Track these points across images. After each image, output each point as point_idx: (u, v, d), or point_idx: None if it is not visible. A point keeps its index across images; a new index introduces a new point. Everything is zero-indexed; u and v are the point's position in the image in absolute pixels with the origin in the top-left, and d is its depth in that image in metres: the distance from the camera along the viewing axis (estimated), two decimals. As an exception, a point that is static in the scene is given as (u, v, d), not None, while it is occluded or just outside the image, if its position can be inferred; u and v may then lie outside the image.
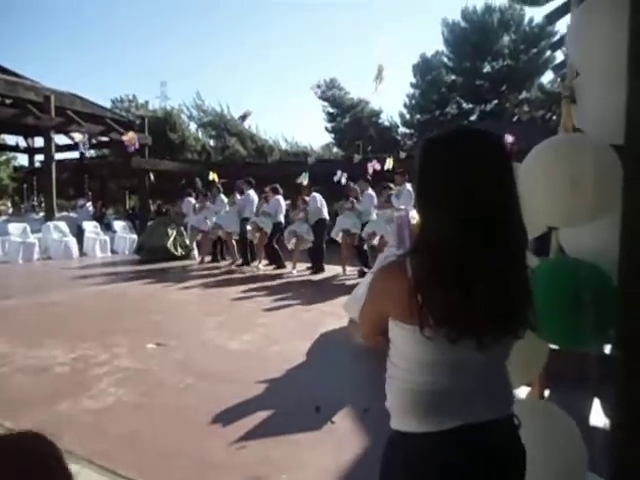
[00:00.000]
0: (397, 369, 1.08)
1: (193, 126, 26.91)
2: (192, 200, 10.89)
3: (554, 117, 21.84)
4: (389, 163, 10.02)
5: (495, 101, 24.11)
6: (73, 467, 2.24)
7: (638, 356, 1.28)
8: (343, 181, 10.16)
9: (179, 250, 10.74)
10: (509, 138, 9.44)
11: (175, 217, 11.53)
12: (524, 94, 23.90)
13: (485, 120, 21.95)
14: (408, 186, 8.26)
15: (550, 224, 1.67)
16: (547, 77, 23.89)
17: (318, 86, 23.64)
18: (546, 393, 2.83)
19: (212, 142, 26.28)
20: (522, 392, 1.93)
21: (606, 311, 1.41)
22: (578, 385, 3.06)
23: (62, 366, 3.85)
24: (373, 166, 10.14)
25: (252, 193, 9.75)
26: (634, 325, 1.30)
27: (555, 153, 1.56)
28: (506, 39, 23.69)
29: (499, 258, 0.99)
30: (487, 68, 24.26)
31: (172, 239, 10.67)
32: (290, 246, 9.15)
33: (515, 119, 22.10)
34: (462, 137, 1.06)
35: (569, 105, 1.63)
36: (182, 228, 10.96)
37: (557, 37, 21.10)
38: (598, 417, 2.74)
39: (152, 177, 12.77)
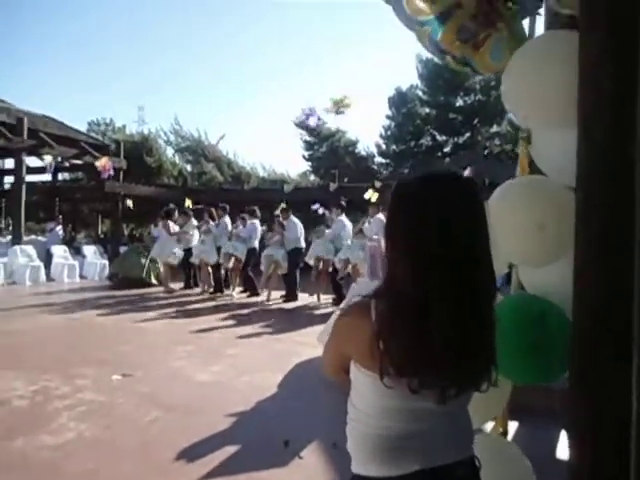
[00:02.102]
0: (358, 412, 1.07)
1: (170, 151, 26.84)
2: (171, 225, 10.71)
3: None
4: (370, 194, 10.10)
5: (468, 134, 24.89)
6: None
7: (589, 388, 1.31)
8: (320, 211, 10.20)
9: (153, 279, 10.49)
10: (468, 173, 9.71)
11: (149, 243, 11.26)
12: (495, 128, 24.78)
13: (458, 152, 22.60)
14: (380, 216, 8.37)
15: (514, 262, 1.72)
16: (516, 112, 24.82)
17: (301, 123, 24.08)
18: (514, 426, 2.85)
19: (189, 167, 26.21)
20: (487, 427, 1.94)
21: (563, 347, 1.44)
22: (546, 417, 3.11)
23: (21, 399, 3.68)
24: None
25: (227, 220, 9.70)
26: (585, 360, 1.34)
27: (520, 196, 1.61)
28: (478, 76, 24.64)
29: (469, 307, 0.97)
30: (460, 102, 25.12)
31: (146, 269, 10.41)
32: (269, 271, 8.97)
33: (487, 152, 22.81)
34: (433, 181, 1.04)
35: (526, 146, 1.70)
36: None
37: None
38: (564, 450, 2.75)
39: (130, 203, 12.52)
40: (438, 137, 25.85)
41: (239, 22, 56.59)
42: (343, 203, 9.11)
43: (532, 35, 1.76)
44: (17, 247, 11.19)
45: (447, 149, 25.50)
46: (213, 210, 9.94)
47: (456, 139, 25.28)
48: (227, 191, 17.94)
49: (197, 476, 2.60)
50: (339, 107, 7.49)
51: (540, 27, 1.96)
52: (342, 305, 4.90)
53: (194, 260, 9.68)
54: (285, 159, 61.95)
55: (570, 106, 1.35)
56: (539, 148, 1.67)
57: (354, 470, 1.08)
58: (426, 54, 25.18)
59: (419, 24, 1.73)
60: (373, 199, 9.99)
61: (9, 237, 13.53)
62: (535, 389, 2.57)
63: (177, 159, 26.85)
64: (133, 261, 10.51)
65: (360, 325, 1.01)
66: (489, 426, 1.90)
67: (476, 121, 24.68)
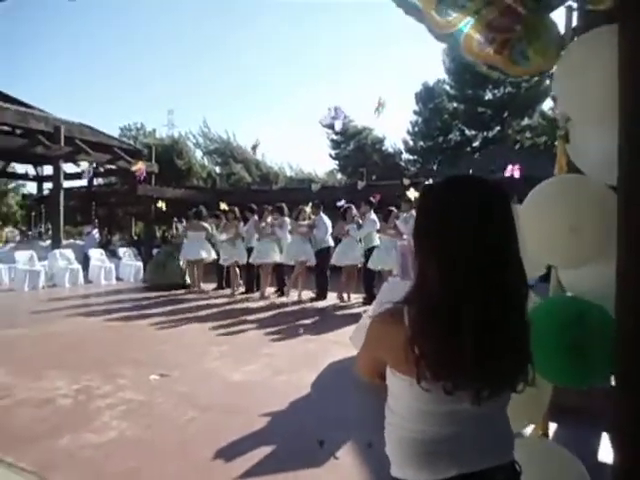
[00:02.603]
0: (395, 416, 1.08)
1: (199, 153, 27.36)
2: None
3: (556, 143, 22.08)
4: (411, 193, 10.02)
5: (497, 128, 24.44)
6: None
7: (632, 389, 1.28)
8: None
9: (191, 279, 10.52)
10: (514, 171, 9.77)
11: (178, 242, 11.00)
12: (526, 121, 24.22)
13: (488, 147, 22.18)
14: (414, 213, 8.28)
15: (550, 264, 1.69)
16: (548, 104, 24.21)
17: (328, 125, 24.26)
18: (552, 428, 2.79)
19: (218, 169, 26.66)
20: (526, 432, 1.90)
21: (606, 348, 1.41)
22: (585, 418, 3.02)
23: (65, 398, 3.83)
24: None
25: (256, 220, 9.76)
26: (628, 361, 1.30)
27: (554, 198, 1.57)
28: (507, 69, 24.11)
29: (498, 309, 0.98)
30: (489, 96, 24.66)
31: (186, 272, 10.47)
32: (297, 271, 8.98)
33: (518, 146, 22.31)
34: (458, 183, 1.07)
35: (564, 144, 1.67)
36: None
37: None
38: (607, 452, 2.68)
39: (163, 205, 12.66)
40: (467, 132, 25.48)
41: (265, 28, 57.04)
42: (372, 199, 9.02)
43: (569, 29, 1.71)
44: (57, 251, 11.61)
45: (476, 144, 25.11)
46: (236, 210, 9.89)
47: (485, 133, 24.86)
48: (255, 192, 18.13)
49: (235, 475, 2.66)
50: (379, 110, 7.43)
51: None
52: (371, 309, 4.88)
53: (226, 262, 9.78)
54: (312, 158, 62.23)
55: (613, 104, 1.32)
56: (578, 145, 1.63)
57: (393, 474, 1.09)
58: (453, 48, 24.84)
59: (447, 36, 1.72)
60: (413, 196, 9.90)
61: (48, 241, 14.06)
62: (573, 389, 2.51)
63: (206, 161, 27.36)
64: (171, 267, 10.44)
65: (393, 331, 1.03)
66: (529, 428, 1.87)
67: (506, 114, 24.20)
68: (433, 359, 0.96)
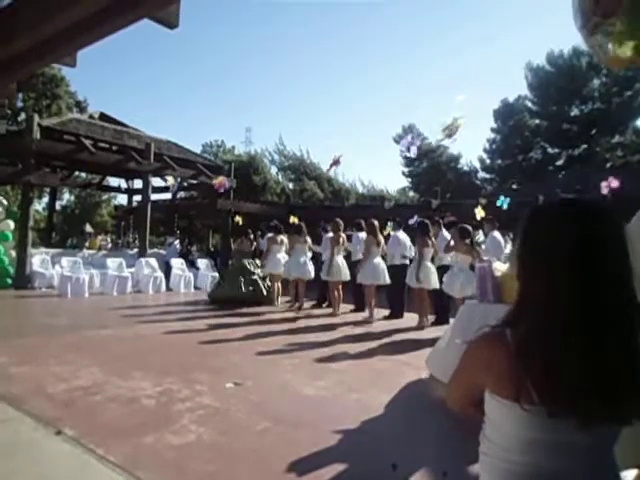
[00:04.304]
0: (493, 445, 1.04)
1: (274, 169, 28.25)
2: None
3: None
4: (480, 212, 9.81)
5: (584, 145, 23.02)
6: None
7: None
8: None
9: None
10: (613, 183, 9.34)
11: (240, 255, 10.95)
12: (617, 138, 22.62)
13: (573, 165, 20.95)
14: (496, 233, 8.00)
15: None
16: (643, 120, 22.47)
17: (400, 137, 24.27)
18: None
19: (291, 185, 27.33)
20: (628, 476, 1.74)
21: None
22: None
23: (148, 399, 4.06)
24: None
25: (330, 237, 9.81)
26: None
27: None
28: (596, 82, 22.79)
29: (611, 335, 0.95)
30: (575, 112, 23.38)
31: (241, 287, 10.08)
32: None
33: (609, 165, 20.84)
34: (574, 209, 1.05)
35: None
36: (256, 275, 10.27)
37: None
38: None
39: (239, 219, 13.06)
40: (549, 150, 24.26)
41: (340, 41, 58.27)
42: (437, 219, 8.85)
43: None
44: (143, 259, 12.46)
45: (560, 162, 23.81)
46: (295, 221, 9.97)
47: (570, 151, 23.51)
48: (328, 208, 18.33)
49: (308, 490, 2.67)
50: (450, 132, 7.31)
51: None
52: (447, 331, 4.73)
53: (291, 276, 9.78)
54: (384, 175, 62.07)
55: None
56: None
57: None
58: (537, 61, 23.86)
59: None
60: (480, 215, 9.69)
61: (135, 249, 15.10)
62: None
63: (280, 177, 28.18)
64: (233, 282, 10.09)
65: (497, 352, 1.01)
66: (630, 475, 1.71)
67: (594, 131, 22.75)
68: (539, 377, 0.94)
